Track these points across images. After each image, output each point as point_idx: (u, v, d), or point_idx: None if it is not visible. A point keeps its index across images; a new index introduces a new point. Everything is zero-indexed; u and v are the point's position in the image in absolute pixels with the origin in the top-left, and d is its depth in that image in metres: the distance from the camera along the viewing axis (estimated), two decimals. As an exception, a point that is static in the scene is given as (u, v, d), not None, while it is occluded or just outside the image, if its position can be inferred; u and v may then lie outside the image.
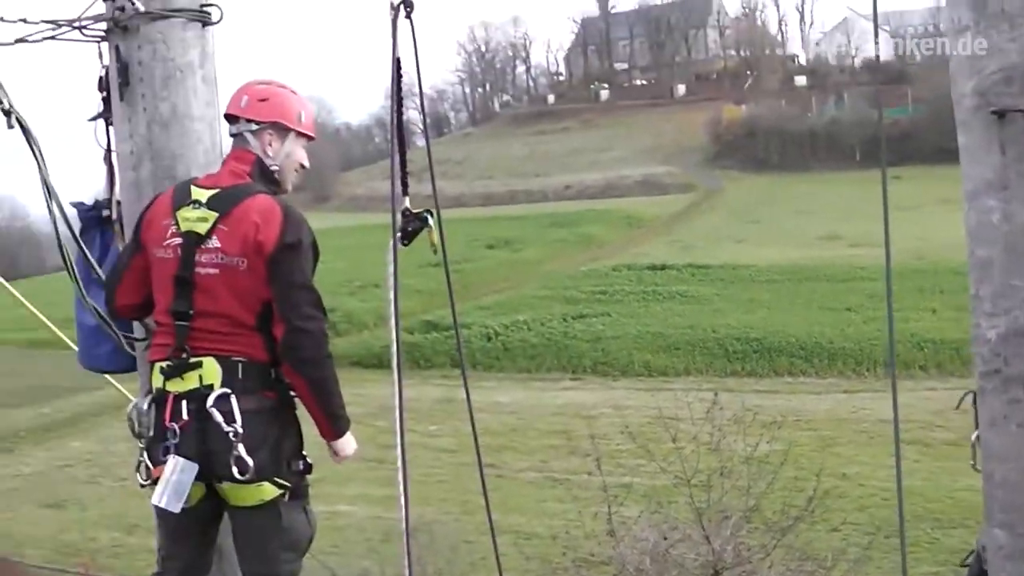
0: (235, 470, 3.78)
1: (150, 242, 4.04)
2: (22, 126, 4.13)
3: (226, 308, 3.91)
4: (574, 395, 36.05)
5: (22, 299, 7.11)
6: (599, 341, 41.16)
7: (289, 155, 4.19)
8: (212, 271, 3.90)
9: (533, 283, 54.06)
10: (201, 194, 3.97)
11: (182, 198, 3.99)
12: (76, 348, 4.74)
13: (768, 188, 78.59)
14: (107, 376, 5.02)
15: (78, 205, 4.53)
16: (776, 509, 15.36)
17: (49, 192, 4.26)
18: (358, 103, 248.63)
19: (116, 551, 23.16)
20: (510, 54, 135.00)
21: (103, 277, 4.38)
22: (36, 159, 4.23)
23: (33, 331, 39.51)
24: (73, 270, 4.36)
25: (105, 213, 4.49)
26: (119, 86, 4.19)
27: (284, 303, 3.89)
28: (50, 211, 4.28)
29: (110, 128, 4.36)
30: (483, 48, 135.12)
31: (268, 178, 4.12)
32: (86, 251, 4.43)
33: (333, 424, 4.09)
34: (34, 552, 22.94)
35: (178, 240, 3.95)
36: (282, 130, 4.16)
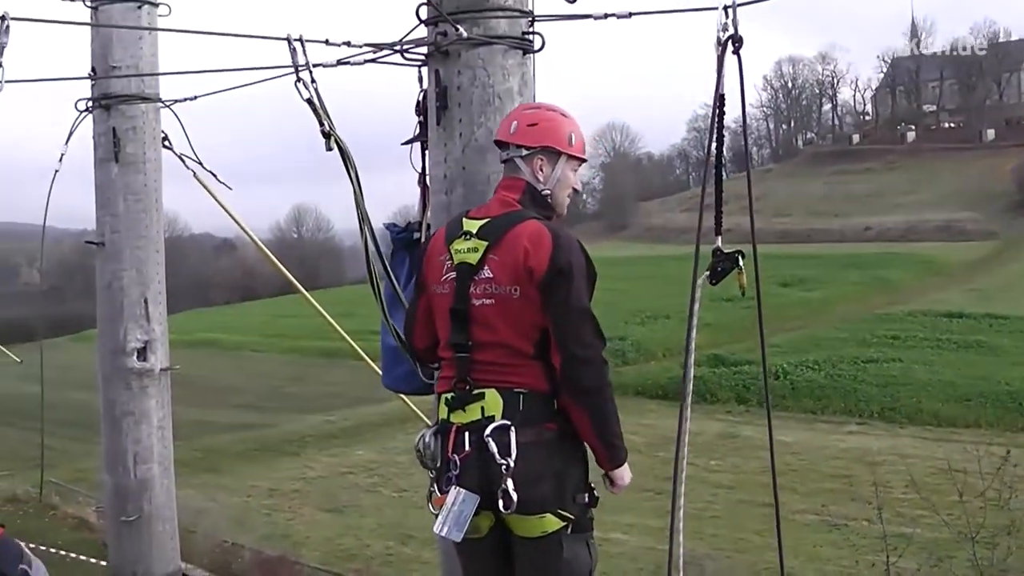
0: (501, 503, 3.77)
1: (430, 280, 4.07)
2: (341, 149, 4.21)
3: (504, 338, 3.87)
4: (859, 439, 35.00)
5: (321, 310, 7.36)
6: (888, 387, 39.91)
7: (560, 179, 4.11)
8: (487, 302, 3.87)
9: (826, 323, 53.21)
10: (472, 225, 3.95)
11: (454, 231, 4.00)
12: (367, 358, 4.81)
13: (1075, 240, 74.97)
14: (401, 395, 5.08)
15: (390, 227, 4.62)
16: (1064, 574, 14.70)
17: (362, 215, 4.35)
18: (661, 133, 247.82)
19: (389, 559, 23.70)
20: (816, 91, 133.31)
21: (405, 301, 4.42)
22: (352, 182, 4.31)
23: (328, 340, 41.12)
24: (379, 293, 4.43)
25: (416, 236, 4.55)
26: (437, 110, 4.23)
27: (561, 331, 3.81)
28: (362, 233, 4.36)
29: (425, 152, 4.42)
30: (790, 84, 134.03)
31: (540, 203, 4.06)
32: (391, 276, 4.50)
33: (612, 453, 3.99)
34: (310, 554, 23.65)
35: (453, 274, 3.95)
36: (553, 154, 4.07)
